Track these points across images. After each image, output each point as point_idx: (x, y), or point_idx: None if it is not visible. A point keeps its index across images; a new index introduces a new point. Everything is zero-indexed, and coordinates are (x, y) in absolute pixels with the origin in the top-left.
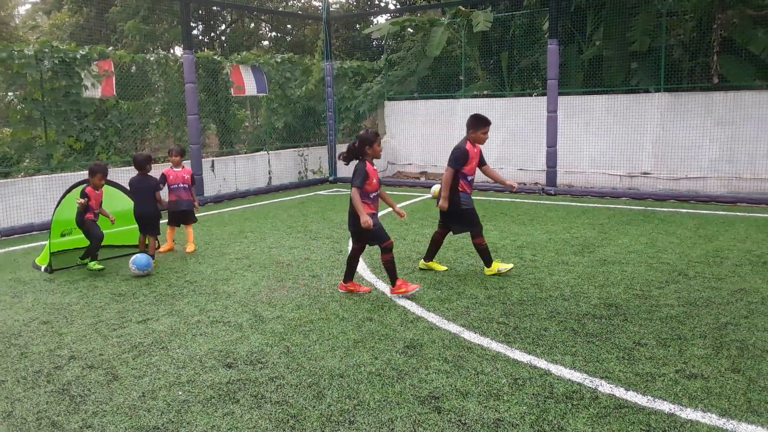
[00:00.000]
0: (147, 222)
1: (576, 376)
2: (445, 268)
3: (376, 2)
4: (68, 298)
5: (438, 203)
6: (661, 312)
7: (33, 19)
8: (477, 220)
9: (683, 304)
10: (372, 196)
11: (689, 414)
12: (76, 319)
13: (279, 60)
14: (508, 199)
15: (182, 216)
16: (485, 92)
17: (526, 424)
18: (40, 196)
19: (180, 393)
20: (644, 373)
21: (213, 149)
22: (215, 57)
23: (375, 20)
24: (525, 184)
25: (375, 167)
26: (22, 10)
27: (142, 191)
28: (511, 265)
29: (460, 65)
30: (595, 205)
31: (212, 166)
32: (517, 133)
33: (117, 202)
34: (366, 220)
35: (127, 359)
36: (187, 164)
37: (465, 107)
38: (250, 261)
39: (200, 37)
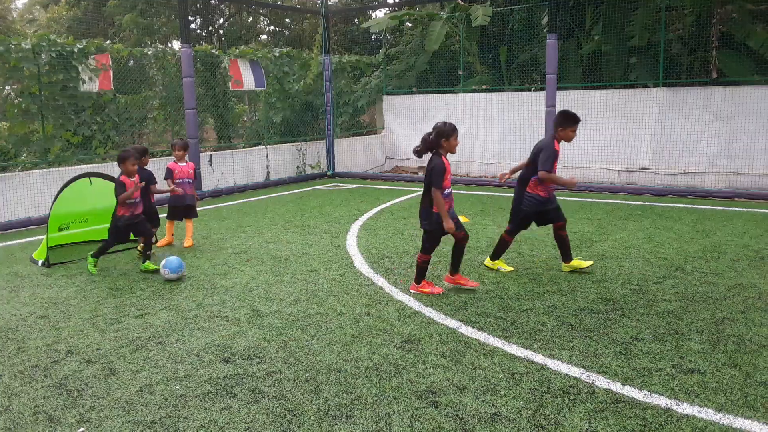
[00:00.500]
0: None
1: (573, 370)
2: (511, 268)
3: None
4: (65, 292)
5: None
6: (659, 307)
7: (30, 12)
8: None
9: (680, 299)
10: (446, 193)
11: (686, 409)
12: (73, 313)
13: (277, 54)
14: (507, 195)
15: (186, 210)
16: (484, 87)
17: (523, 419)
18: (37, 191)
19: (177, 387)
20: (641, 368)
21: (211, 143)
22: (213, 51)
23: (373, 14)
24: None
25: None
26: (20, 3)
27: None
28: (591, 262)
29: (458, 60)
30: (593, 200)
31: (210, 160)
32: (515, 128)
33: (111, 197)
34: (450, 225)
35: (125, 354)
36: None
37: (463, 102)
38: (248, 255)
39: (198, 31)
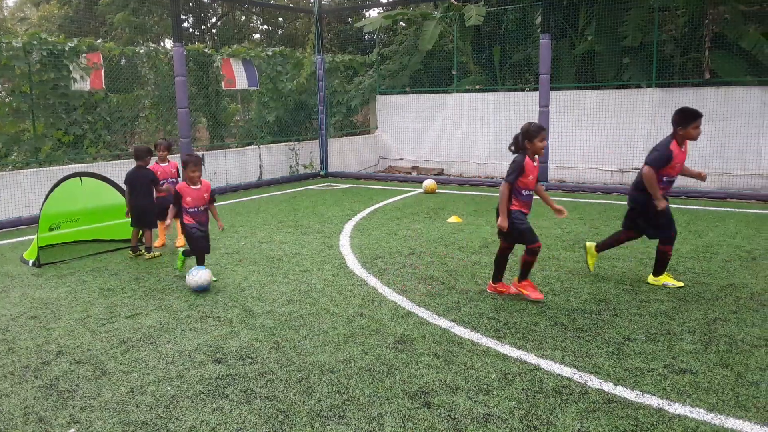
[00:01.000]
0: (142, 214)
1: (565, 371)
2: (681, 284)
3: None
4: (56, 292)
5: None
6: (651, 307)
7: (21, 10)
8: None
9: (673, 299)
10: (524, 194)
11: (677, 409)
12: (64, 314)
13: (270, 53)
14: None
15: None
16: (477, 87)
17: (515, 419)
18: (28, 190)
19: (169, 388)
20: (633, 368)
21: (203, 143)
22: (206, 50)
23: (367, 14)
24: None
25: (536, 164)
26: (11, 1)
27: (139, 183)
28: (680, 284)
29: (452, 59)
30: (587, 200)
31: (202, 160)
32: (509, 128)
33: (106, 197)
34: (502, 222)
35: (116, 354)
36: (176, 158)
37: (457, 102)
38: (241, 256)
39: (190, 30)
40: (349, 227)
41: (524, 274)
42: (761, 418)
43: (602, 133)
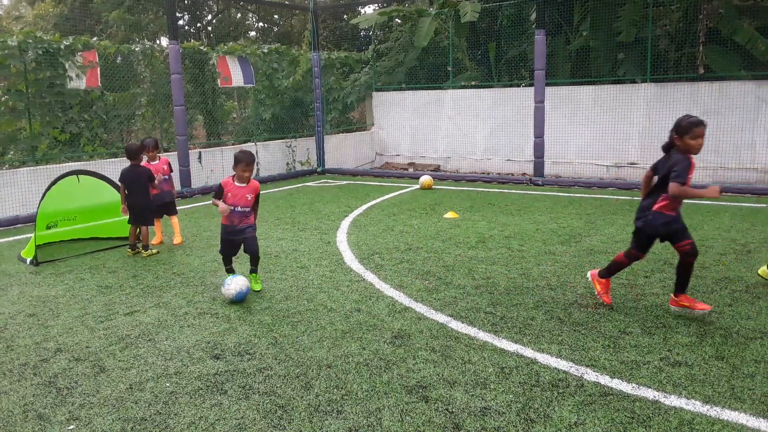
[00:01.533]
0: (139, 212)
1: (562, 364)
2: None
3: None
4: (54, 290)
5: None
6: (647, 300)
7: (17, 9)
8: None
9: (668, 292)
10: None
11: (673, 401)
12: (62, 311)
13: (266, 51)
14: (497, 190)
15: (164, 207)
16: (473, 83)
17: (512, 412)
18: (24, 189)
19: (167, 385)
20: (629, 361)
21: (200, 140)
22: (201, 48)
23: (363, 10)
24: (512, 175)
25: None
26: (6, 0)
27: (135, 181)
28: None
29: (447, 56)
30: (582, 195)
31: (199, 157)
32: (504, 124)
33: (104, 195)
34: (715, 191)
35: (114, 351)
36: (174, 156)
37: (453, 98)
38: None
39: (186, 28)
40: (346, 223)
41: (611, 271)
42: (756, 409)
43: (597, 129)
